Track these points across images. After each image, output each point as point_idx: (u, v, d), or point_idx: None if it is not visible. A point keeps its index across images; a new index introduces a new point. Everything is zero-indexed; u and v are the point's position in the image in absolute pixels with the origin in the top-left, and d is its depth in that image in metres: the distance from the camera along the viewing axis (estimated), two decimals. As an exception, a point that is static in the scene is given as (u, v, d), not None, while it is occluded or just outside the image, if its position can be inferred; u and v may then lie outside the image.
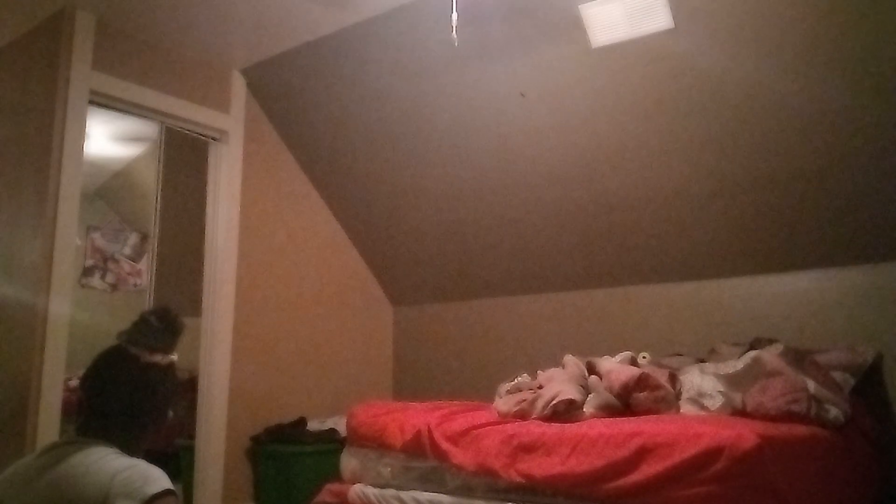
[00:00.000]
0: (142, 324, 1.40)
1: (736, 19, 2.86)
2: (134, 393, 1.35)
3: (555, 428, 2.29)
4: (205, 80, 3.92)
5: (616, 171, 3.55)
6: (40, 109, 3.35)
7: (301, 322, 4.29)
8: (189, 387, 4.09)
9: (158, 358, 1.37)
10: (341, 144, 4.21)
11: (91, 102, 3.41)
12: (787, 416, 2.33)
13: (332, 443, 3.67)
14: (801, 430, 2.27)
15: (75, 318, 3.31)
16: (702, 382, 2.58)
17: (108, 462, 1.22)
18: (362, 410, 2.88)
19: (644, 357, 2.91)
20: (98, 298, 3.99)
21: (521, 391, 2.67)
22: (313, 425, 3.91)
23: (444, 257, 4.45)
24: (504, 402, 2.61)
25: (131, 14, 3.43)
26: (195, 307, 3.94)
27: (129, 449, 1.31)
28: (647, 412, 2.50)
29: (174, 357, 1.42)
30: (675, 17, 2.93)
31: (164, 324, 1.41)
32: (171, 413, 1.43)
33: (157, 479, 1.21)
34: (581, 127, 3.47)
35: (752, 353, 2.69)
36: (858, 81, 2.83)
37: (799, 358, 2.73)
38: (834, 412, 2.44)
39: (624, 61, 3.17)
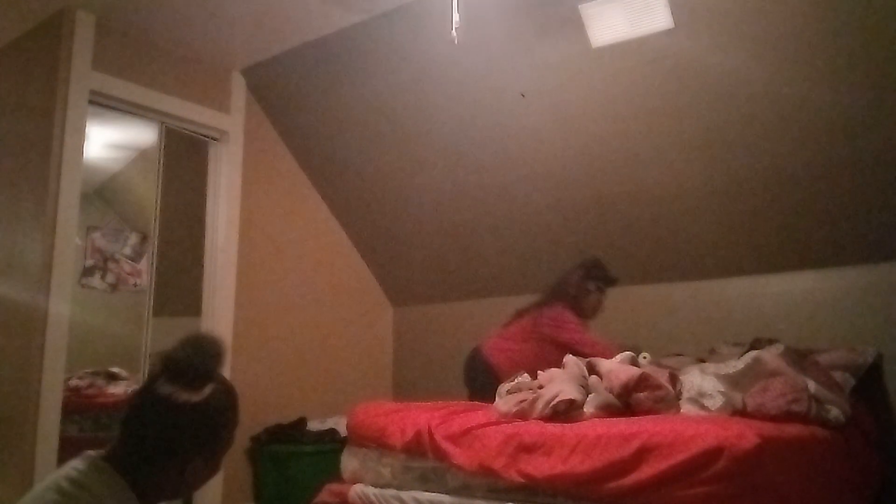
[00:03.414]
0: (172, 357, 1.22)
1: (736, 19, 2.86)
2: (157, 436, 1.20)
3: (555, 428, 2.29)
4: (205, 80, 3.91)
5: (616, 171, 3.55)
6: (40, 109, 3.35)
7: (301, 322, 4.29)
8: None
9: (188, 396, 1.20)
10: (341, 144, 4.21)
11: (91, 102, 3.41)
12: (788, 417, 2.33)
13: (332, 443, 3.66)
14: (801, 430, 2.27)
15: (75, 318, 3.30)
16: (702, 382, 2.57)
17: None
18: (362, 410, 2.88)
19: (644, 357, 2.90)
20: (98, 298, 3.99)
21: (521, 391, 2.67)
22: (313, 425, 3.91)
23: (444, 257, 4.44)
24: (504, 403, 2.61)
25: (131, 14, 3.42)
26: (195, 307, 3.94)
27: (147, 493, 1.20)
28: (648, 412, 2.49)
29: (207, 391, 1.21)
30: (675, 17, 2.93)
31: (200, 356, 1.23)
32: (212, 453, 1.25)
33: None
34: (581, 127, 3.47)
35: (753, 354, 2.68)
36: (858, 81, 2.83)
37: (799, 358, 2.73)
38: (834, 412, 2.44)
39: (624, 61, 3.17)
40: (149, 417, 1.21)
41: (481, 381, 2.95)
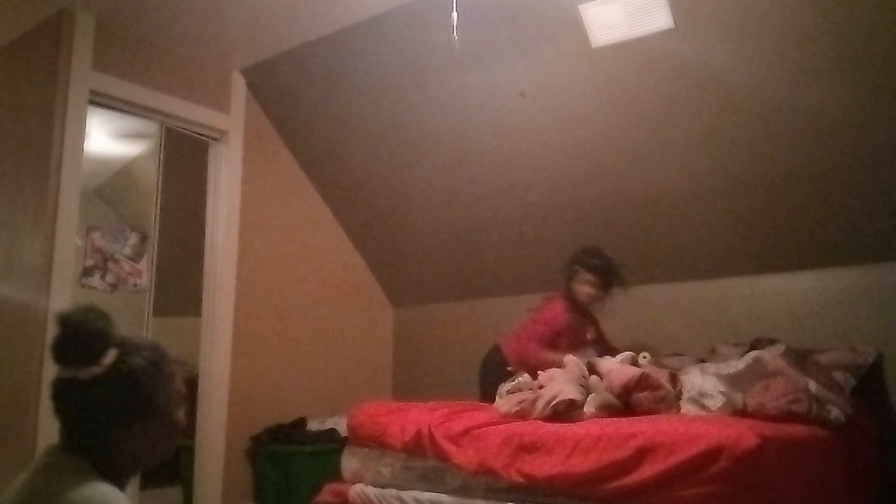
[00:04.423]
0: (52, 345, 1.19)
1: (736, 19, 2.86)
2: (85, 416, 1.20)
3: (555, 428, 2.29)
4: (205, 80, 3.91)
5: (616, 171, 3.54)
6: (40, 109, 3.35)
7: (301, 322, 4.28)
8: (189, 387, 4.09)
9: (88, 372, 1.17)
10: (341, 144, 4.21)
11: (91, 102, 3.41)
12: (788, 417, 2.33)
13: (332, 443, 3.66)
14: (801, 430, 2.27)
15: (75, 318, 3.30)
16: (703, 382, 2.58)
17: (68, 494, 1.11)
18: (363, 410, 2.88)
19: (645, 357, 2.91)
20: (98, 298, 3.97)
21: (521, 391, 2.67)
22: (313, 425, 3.91)
23: (444, 257, 4.44)
24: (504, 402, 2.61)
25: (131, 14, 3.42)
26: (195, 307, 3.94)
27: (107, 468, 1.19)
28: (648, 412, 2.50)
29: (109, 359, 1.19)
30: (675, 17, 2.93)
31: (75, 331, 1.19)
32: (155, 412, 1.24)
33: None
34: (581, 127, 3.47)
35: (754, 354, 2.69)
36: (858, 82, 2.83)
37: (800, 358, 2.73)
38: (835, 412, 2.44)
39: (624, 61, 3.17)
40: (68, 403, 1.21)
41: (498, 380, 2.94)
